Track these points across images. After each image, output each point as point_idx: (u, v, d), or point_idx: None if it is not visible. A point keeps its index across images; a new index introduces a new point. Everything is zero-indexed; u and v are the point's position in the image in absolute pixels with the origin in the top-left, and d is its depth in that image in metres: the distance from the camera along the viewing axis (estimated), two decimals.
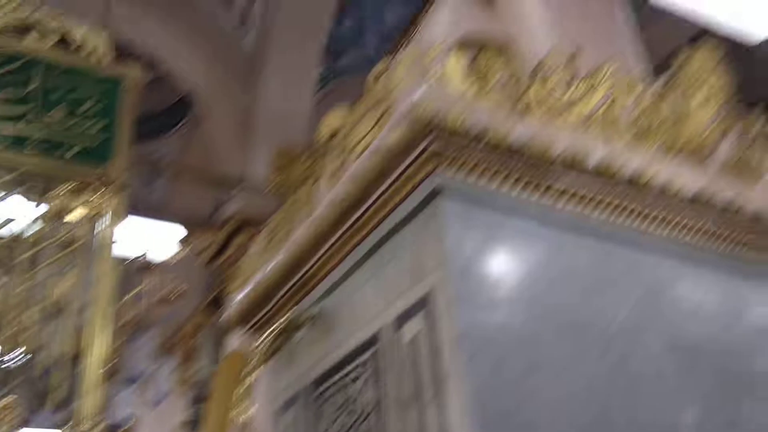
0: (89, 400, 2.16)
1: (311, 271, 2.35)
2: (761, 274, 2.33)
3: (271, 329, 2.30)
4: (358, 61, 8.88)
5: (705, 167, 2.42)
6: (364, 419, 1.98)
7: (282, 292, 2.52)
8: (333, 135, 2.42)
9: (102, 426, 2.24)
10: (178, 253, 6.53)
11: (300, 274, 2.40)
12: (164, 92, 9.21)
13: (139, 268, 3.71)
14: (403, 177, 1.92)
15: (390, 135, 1.90)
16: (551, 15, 3.09)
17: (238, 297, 2.77)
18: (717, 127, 2.49)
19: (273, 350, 2.37)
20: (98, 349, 2.24)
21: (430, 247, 1.86)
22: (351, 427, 2.03)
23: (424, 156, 1.85)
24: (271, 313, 2.59)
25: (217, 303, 8.05)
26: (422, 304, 1.84)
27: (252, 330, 2.73)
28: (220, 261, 6.92)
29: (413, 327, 1.86)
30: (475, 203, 1.88)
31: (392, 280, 1.99)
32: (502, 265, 1.85)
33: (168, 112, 9.94)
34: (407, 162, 1.89)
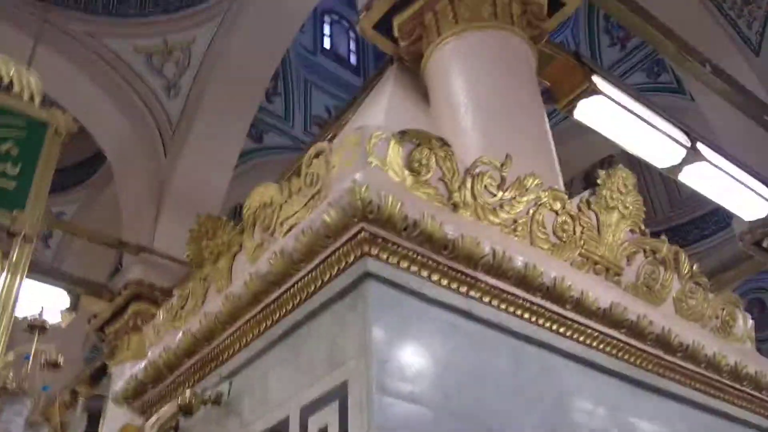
0: None
1: (221, 346, 2.25)
2: (660, 392, 2.40)
3: (170, 404, 2.16)
4: (283, 141, 8.93)
5: (615, 283, 2.52)
6: None
7: (185, 366, 2.39)
8: (259, 209, 2.38)
9: None
10: (65, 317, 6.13)
11: (208, 349, 2.29)
12: (73, 147, 8.92)
13: (26, 328, 3.45)
14: (332, 258, 1.89)
15: (324, 215, 1.88)
16: (481, 123, 3.23)
17: (135, 368, 2.60)
18: (628, 247, 2.62)
19: (169, 428, 2.22)
20: None
21: (352, 333, 1.81)
22: None
23: (356, 239, 1.84)
24: (171, 386, 2.44)
25: (101, 373, 7.56)
26: (336, 393, 1.78)
27: (147, 404, 2.55)
28: (112, 329, 6.55)
29: (324, 416, 1.79)
30: (402, 292, 1.87)
31: (307, 364, 1.92)
32: (423, 358, 1.82)
33: (75, 168, 9.61)
34: (338, 244, 1.87)
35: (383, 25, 3.86)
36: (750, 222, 6.89)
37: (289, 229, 2.19)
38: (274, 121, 8.97)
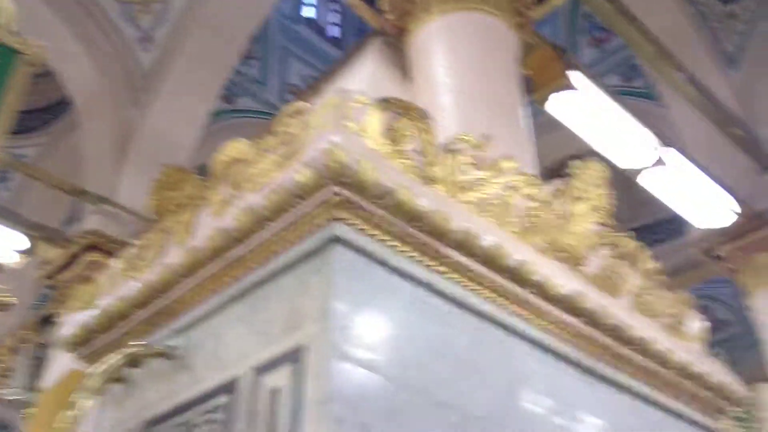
0: None
1: (177, 299, 2.20)
2: (612, 383, 2.43)
3: (119, 355, 2.10)
4: (256, 105, 8.81)
5: (578, 273, 2.54)
6: None
7: (138, 317, 2.33)
8: (228, 165, 2.32)
9: None
10: (21, 259, 5.96)
11: (163, 301, 2.24)
12: (40, 90, 8.67)
13: None
14: (300, 220, 1.86)
15: (296, 174, 1.84)
16: (460, 104, 3.21)
17: (82, 316, 2.53)
18: (593, 239, 2.64)
19: (113, 378, 2.17)
20: None
21: (313, 297, 1.78)
22: None
23: (326, 203, 1.81)
24: (121, 336, 2.39)
25: (48, 321, 7.41)
26: (292, 356, 1.75)
27: (94, 352, 2.49)
28: (62, 277, 6.40)
29: (277, 378, 1.76)
30: (368, 259, 1.84)
31: (265, 324, 1.89)
32: (384, 328, 1.80)
33: (39, 112, 9.35)
34: (308, 205, 1.84)
35: None
36: (704, 230, 7.05)
37: (257, 188, 2.15)
38: (249, 85, 8.83)
